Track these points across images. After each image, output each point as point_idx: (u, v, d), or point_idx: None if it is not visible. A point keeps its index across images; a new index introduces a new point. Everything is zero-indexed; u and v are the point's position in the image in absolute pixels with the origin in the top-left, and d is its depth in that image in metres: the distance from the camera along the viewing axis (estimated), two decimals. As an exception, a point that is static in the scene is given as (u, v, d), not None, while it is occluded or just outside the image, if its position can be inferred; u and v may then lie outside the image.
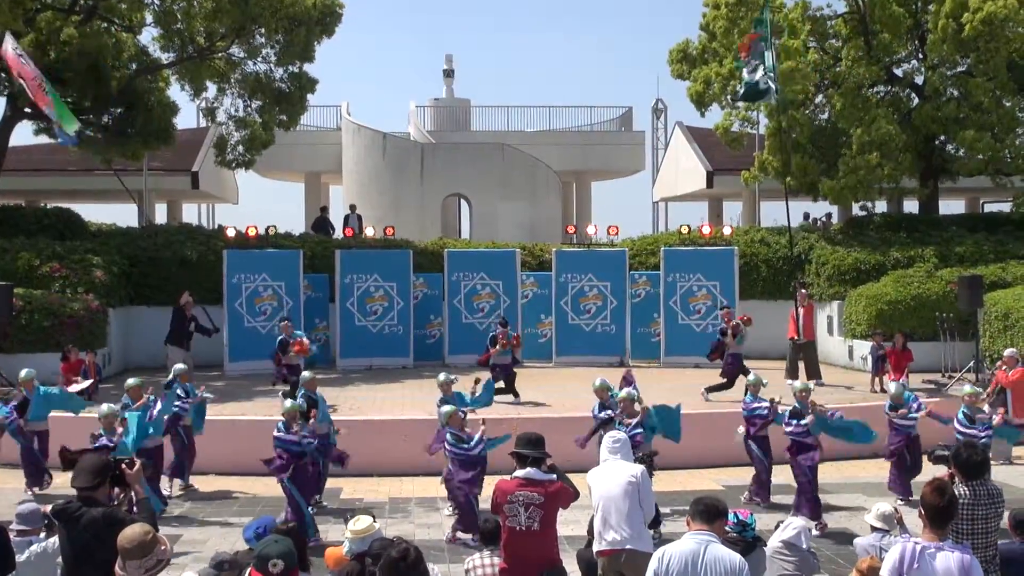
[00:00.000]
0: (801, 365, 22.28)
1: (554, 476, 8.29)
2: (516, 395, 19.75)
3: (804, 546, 8.92)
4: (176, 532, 13.02)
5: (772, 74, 21.15)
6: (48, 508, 7.73)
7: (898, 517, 9.22)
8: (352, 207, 32.89)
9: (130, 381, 14.83)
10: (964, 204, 43.60)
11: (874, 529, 9.14)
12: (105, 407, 13.59)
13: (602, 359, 24.65)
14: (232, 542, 12.17)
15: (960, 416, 14.39)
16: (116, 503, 7.27)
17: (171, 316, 22.78)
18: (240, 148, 28.70)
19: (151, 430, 13.79)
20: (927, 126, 27.07)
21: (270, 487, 15.63)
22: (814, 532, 12.44)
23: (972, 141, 26.04)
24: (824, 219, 31.26)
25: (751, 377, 15.18)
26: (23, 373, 16.18)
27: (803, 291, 23.16)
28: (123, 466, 7.16)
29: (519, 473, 8.29)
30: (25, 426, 15.60)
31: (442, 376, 15.26)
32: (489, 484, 13.33)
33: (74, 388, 19.28)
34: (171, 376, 15.73)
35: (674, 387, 21.21)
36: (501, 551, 8.44)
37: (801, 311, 22.44)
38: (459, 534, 12.89)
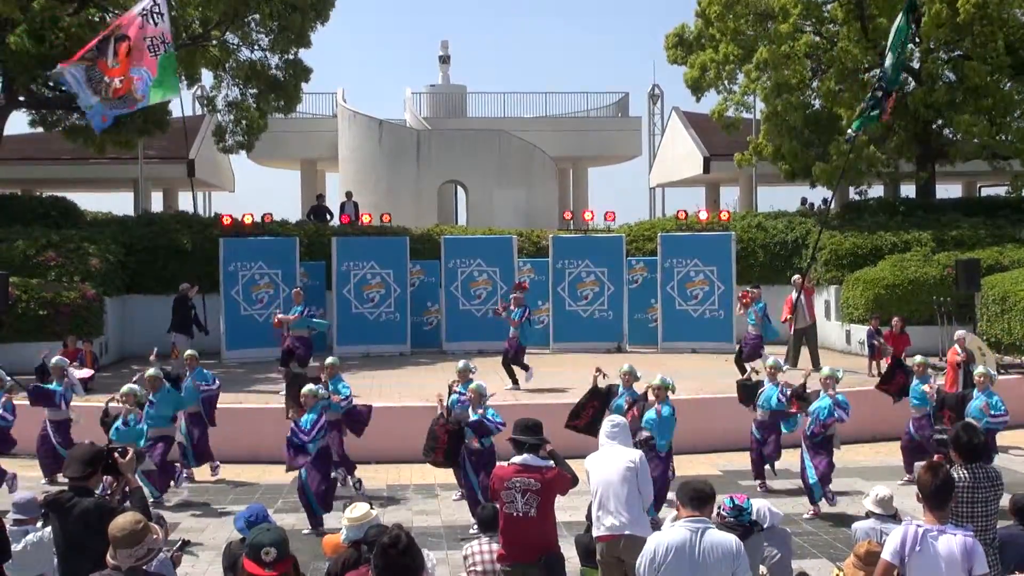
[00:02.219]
0: (805, 351, 22.28)
1: (551, 462, 8.25)
2: (515, 380, 19.56)
3: (777, 523, 8.92)
4: (173, 520, 12.99)
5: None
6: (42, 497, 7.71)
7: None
8: (348, 194, 32.81)
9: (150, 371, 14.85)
10: (961, 188, 43.57)
11: (872, 515, 9.11)
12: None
13: (600, 345, 24.62)
14: (230, 530, 12.14)
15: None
16: (109, 492, 7.24)
17: (172, 305, 22.62)
18: (238, 132, 28.62)
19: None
20: (923, 110, 27.01)
21: (267, 474, 15.65)
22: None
23: (967, 125, 25.99)
24: (822, 205, 31.28)
25: (771, 360, 15.02)
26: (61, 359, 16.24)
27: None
28: (115, 455, 7.13)
29: (516, 459, 8.24)
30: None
31: (461, 364, 14.55)
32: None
33: (77, 374, 19.34)
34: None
35: (672, 372, 21.15)
36: (499, 537, 8.42)
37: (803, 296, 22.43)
38: None
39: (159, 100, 22.62)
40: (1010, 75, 27.14)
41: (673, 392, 13.36)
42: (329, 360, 15.27)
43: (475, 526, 11.27)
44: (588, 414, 13.67)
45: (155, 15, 21.52)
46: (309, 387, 13.18)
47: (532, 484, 8.06)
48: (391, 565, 5.29)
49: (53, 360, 16.15)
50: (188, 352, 16.35)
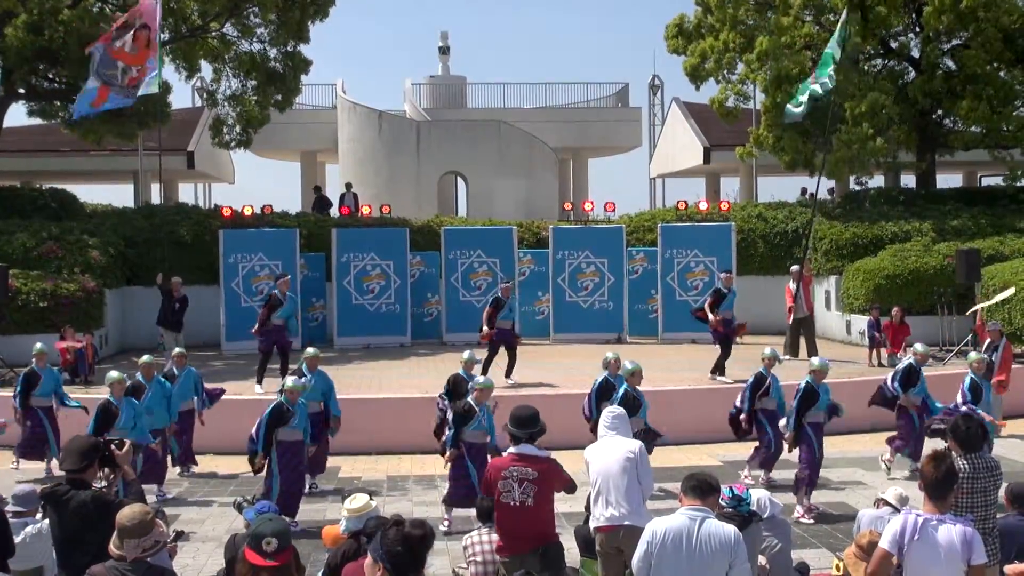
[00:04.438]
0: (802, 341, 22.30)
1: (549, 453, 8.23)
2: (508, 374, 19.08)
3: (778, 513, 8.94)
4: (174, 512, 13.01)
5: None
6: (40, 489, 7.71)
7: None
8: (348, 185, 32.82)
9: (144, 358, 14.85)
10: (961, 178, 43.53)
11: (886, 503, 9.14)
12: (114, 373, 13.59)
13: (600, 336, 24.63)
14: (231, 520, 12.17)
15: (967, 385, 14.31)
16: (107, 485, 7.25)
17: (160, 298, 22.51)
18: (236, 128, 28.59)
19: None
20: (923, 99, 26.97)
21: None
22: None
23: (967, 113, 25.95)
24: (827, 194, 31.29)
25: (767, 351, 14.81)
26: (39, 345, 16.22)
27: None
28: (112, 447, 7.13)
29: (512, 449, 8.22)
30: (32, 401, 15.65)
31: (467, 354, 14.56)
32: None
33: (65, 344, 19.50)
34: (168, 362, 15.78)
35: (672, 362, 21.23)
36: (496, 528, 8.40)
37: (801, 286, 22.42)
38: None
39: (148, 92, 22.15)
40: (1009, 63, 27.09)
41: (640, 377, 13.31)
42: (310, 351, 15.19)
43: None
44: None
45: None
46: (293, 381, 13.09)
47: (529, 473, 8.03)
48: (408, 554, 5.21)
49: (37, 347, 16.14)
50: (176, 350, 16.22)
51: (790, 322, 22.57)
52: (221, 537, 11.27)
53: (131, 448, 7.23)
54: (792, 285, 22.52)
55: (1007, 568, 7.64)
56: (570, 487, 8.37)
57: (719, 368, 19.13)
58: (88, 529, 6.62)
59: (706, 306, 19.45)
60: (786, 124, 25.66)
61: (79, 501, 6.78)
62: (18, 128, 34.86)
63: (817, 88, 22.24)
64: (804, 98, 22.55)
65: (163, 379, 14.73)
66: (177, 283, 21.99)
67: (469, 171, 37.19)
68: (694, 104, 39.88)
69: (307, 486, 13.72)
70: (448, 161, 37.08)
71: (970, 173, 42.84)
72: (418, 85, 44.52)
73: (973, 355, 15.13)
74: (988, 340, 18.04)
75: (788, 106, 23.33)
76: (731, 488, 8.32)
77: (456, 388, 13.73)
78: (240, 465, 15.94)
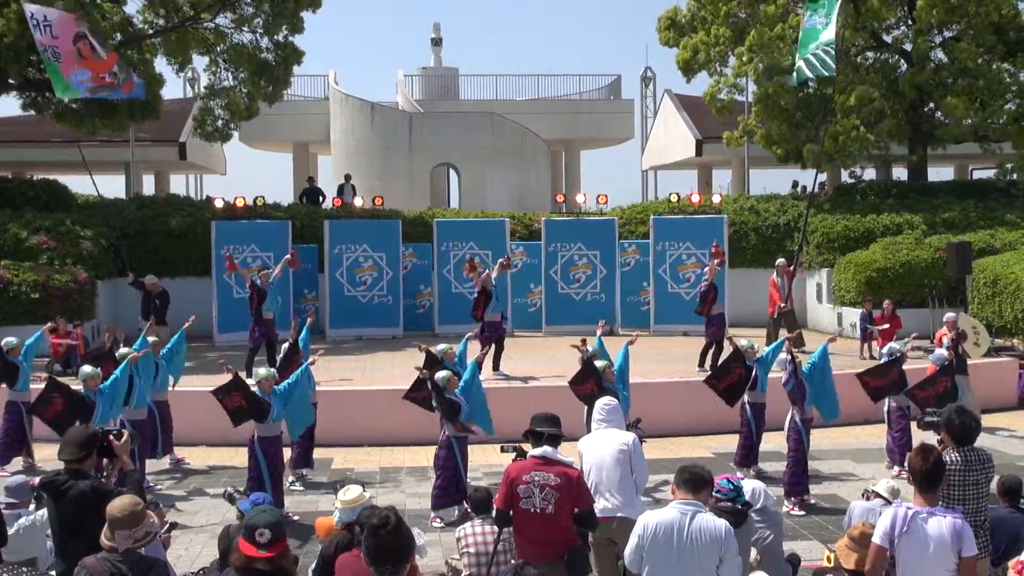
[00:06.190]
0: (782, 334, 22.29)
1: (572, 460, 7.97)
2: (496, 366, 18.91)
3: (770, 504, 8.96)
4: (166, 503, 12.99)
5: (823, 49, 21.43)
6: (36, 480, 7.72)
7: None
8: (347, 176, 32.84)
9: (123, 350, 14.84)
10: (953, 171, 43.58)
11: (877, 496, 9.16)
12: (87, 368, 13.56)
13: (592, 328, 24.57)
14: (223, 512, 12.17)
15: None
16: (104, 475, 7.25)
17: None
18: (221, 120, 28.48)
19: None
20: (914, 92, 27.00)
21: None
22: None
23: (955, 107, 25.99)
24: (818, 188, 31.28)
25: (743, 343, 14.85)
26: (11, 340, 16.01)
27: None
28: (111, 437, 7.13)
29: (535, 452, 7.85)
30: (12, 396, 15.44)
31: (441, 346, 14.74)
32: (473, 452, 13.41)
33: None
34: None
35: (664, 354, 21.26)
36: (514, 536, 8.01)
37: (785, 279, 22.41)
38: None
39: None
40: (1001, 56, 27.13)
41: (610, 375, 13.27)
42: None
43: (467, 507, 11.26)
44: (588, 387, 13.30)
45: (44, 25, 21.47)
46: (262, 372, 13.07)
47: (551, 479, 7.64)
48: (381, 545, 5.35)
49: (10, 340, 16.00)
50: (149, 339, 16.15)
51: (772, 316, 22.50)
52: (214, 528, 11.28)
53: (130, 438, 7.23)
54: (777, 278, 22.49)
55: (1010, 563, 7.64)
56: (588, 514, 7.85)
57: (708, 362, 19.19)
58: (86, 519, 6.62)
59: (708, 304, 19.55)
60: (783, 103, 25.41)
61: (78, 491, 6.79)
62: (9, 119, 34.72)
63: (806, 71, 22.03)
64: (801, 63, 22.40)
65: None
66: (152, 283, 21.53)
67: (461, 163, 37.17)
68: (686, 96, 39.87)
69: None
70: (440, 153, 37.06)
71: (961, 166, 42.88)
72: (410, 77, 44.45)
73: (942, 352, 15.20)
74: (946, 335, 17.91)
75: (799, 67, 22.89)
76: (727, 479, 8.27)
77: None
78: (232, 456, 15.98)
